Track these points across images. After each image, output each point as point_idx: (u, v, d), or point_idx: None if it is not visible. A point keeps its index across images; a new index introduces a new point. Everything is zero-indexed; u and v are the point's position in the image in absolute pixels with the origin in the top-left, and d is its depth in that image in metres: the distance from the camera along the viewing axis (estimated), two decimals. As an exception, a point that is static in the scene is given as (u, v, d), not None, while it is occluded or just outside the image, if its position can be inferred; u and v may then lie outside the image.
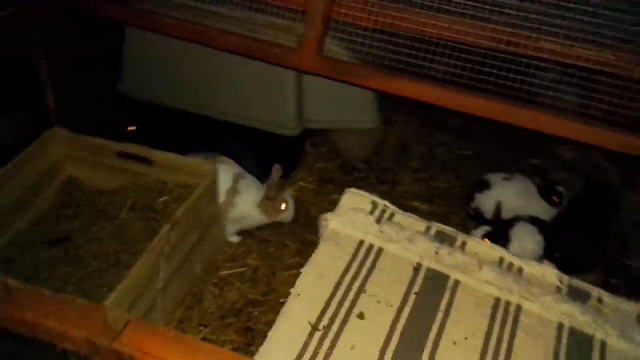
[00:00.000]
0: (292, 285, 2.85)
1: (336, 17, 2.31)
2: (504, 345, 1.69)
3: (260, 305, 2.74)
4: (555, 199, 3.22)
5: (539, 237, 2.90)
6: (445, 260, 1.89)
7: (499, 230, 2.84)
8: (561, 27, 2.18)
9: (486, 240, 2.77)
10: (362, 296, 1.73)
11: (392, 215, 2.03)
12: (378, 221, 1.98)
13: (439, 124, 4.05)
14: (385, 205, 2.05)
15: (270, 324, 2.63)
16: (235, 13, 2.78)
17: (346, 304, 1.70)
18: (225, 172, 2.89)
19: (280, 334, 1.59)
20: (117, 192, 2.87)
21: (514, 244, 2.83)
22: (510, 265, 1.95)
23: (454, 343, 1.67)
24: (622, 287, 2.92)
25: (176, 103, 3.33)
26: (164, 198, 2.81)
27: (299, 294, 1.69)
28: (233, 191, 2.86)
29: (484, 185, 3.27)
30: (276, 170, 2.84)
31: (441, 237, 1.98)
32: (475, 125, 3.96)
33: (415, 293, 1.78)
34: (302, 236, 3.12)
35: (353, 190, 2.09)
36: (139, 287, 2.25)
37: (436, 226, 2.03)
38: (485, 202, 3.25)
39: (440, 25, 2.21)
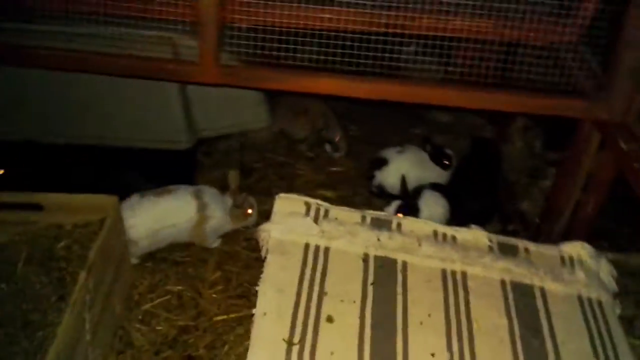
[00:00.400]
0: (221, 302, 2.78)
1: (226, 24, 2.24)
2: (463, 313, 1.78)
3: (194, 330, 2.63)
4: (446, 162, 3.44)
5: (443, 202, 3.08)
6: (388, 245, 1.94)
7: (409, 203, 2.96)
8: (440, 4, 2.30)
9: (400, 215, 2.90)
10: (325, 299, 1.72)
11: (327, 212, 2.04)
12: (316, 221, 1.97)
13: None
14: (317, 204, 2.05)
15: (210, 347, 2.56)
16: (106, 32, 2.58)
17: (313, 311, 1.68)
18: (185, 192, 2.79)
19: (259, 358, 1.53)
20: (5, 247, 2.56)
21: (424, 213, 2.97)
22: (444, 235, 2.05)
23: (421, 323, 1.72)
24: (520, 232, 3.21)
25: (49, 137, 3.04)
26: (63, 243, 2.57)
27: (265, 313, 1.64)
28: (203, 207, 2.78)
29: (382, 162, 3.39)
30: (233, 177, 2.83)
31: (378, 224, 2.03)
32: (356, 106, 4.11)
33: (372, 284, 1.81)
34: (219, 250, 3.03)
35: (283, 195, 2.06)
36: (69, 346, 2.05)
37: (370, 214, 2.07)
38: (387, 177, 3.38)
39: (328, 17, 2.22)
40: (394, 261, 1.90)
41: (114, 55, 2.30)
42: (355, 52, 2.37)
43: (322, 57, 2.55)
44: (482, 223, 3.29)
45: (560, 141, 3.56)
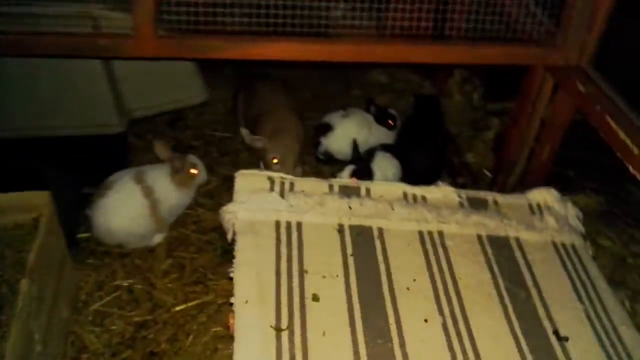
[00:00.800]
0: (177, 291, 2.62)
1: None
2: (447, 273, 1.73)
3: (153, 324, 2.46)
4: (391, 122, 3.39)
5: (395, 162, 3.03)
6: (361, 212, 1.85)
7: (362, 166, 2.89)
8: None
9: (354, 179, 2.82)
10: (307, 277, 1.62)
11: (292, 185, 1.91)
12: (282, 195, 1.85)
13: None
14: (281, 177, 1.92)
15: (172, 340, 2.41)
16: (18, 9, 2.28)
17: (296, 292, 1.57)
18: (125, 182, 2.60)
19: (248, 350, 1.41)
20: None
21: (377, 175, 2.91)
22: (414, 196, 1.98)
23: (407, 289, 1.66)
24: (469, 184, 3.22)
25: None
26: (-9, 249, 2.31)
27: (246, 301, 1.51)
28: (148, 191, 2.60)
29: (327, 128, 3.29)
30: (160, 147, 2.64)
31: (346, 191, 1.93)
32: (292, 75, 3.96)
33: (351, 255, 1.72)
34: (167, 235, 2.85)
35: (243, 171, 1.91)
36: (20, 361, 1.84)
37: (336, 182, 1.97)
38: (333, 143, 3.29)
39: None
40: (370, 228, 1.82)
41: (34, 34, 2.02)
42: (280, 12, 2.23)
43: (246, 20, 2.40)
44: (433, 179, 3.30)
45: (499, 92, 3.61)
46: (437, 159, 3.26)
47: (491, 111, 3.56)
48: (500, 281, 1.73)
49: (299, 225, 1.78)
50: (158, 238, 2.78)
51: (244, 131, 3.18)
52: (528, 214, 1.99)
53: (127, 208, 2.60)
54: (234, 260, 1.64)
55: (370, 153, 2.99)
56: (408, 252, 1.77)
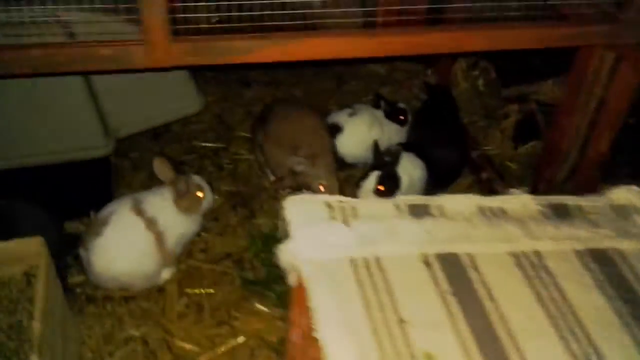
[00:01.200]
0: (199, 336, 2.27)
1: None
2: (562, 304, 1.45)
3: (178, 378, 2.11)
4: (402, 117, 3.12)
5: (419, 162, 2.77)
6: (442, 236, 1.55)
7: (387, 172, 2.60)
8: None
9: (381, 187, 2.53)
10: (409, 330, 1.31)
11: (354, 209, 1.59)
12: (347, 224, 1.53)
13: (242, 81, 3.60)
14: (340, 201, 1.60)
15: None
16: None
17: (404, 351, 1.26)
18: (124, 215, 2.26)
19: None
20: None
21: (404, 179, 2.64)
22: (491, 210, 1.70)
23: (525, 329, 1.37)
24: (495, 180, 2.98)
25: None
26: (-24, 314, 1.92)
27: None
28: (150, 223, 2.28)
29: (336, 129, 3.00)
30: (160, 166, 2.33)
31: (417, 211, 1.62)
32: (278, 74, 3.64)
33: (450, 293, 1.42)
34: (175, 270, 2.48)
35: (293, 198, 1.58)
36: None
37: (402, 200, 1.66)
38: (344, 145, 3.00)
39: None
40: (459, 256, 1.52)
41: (10, 48, 1.61)
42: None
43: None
44: (457, 176, 3.05)
45: (512, 76, 3.37)
46: (460, 154, 3.01)
47: (506, 97, 3.32)
48: (619, 306, 1.47)
49: (378, 260, 1.46)
50: (166, 274, 2.42)
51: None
52: (616, 218, 1.73)
53: (130, 246, 2.24)
54: (313, 315, 1.32)
55: (392, 154, 2.70)
56: (509, 281, 1.48)
